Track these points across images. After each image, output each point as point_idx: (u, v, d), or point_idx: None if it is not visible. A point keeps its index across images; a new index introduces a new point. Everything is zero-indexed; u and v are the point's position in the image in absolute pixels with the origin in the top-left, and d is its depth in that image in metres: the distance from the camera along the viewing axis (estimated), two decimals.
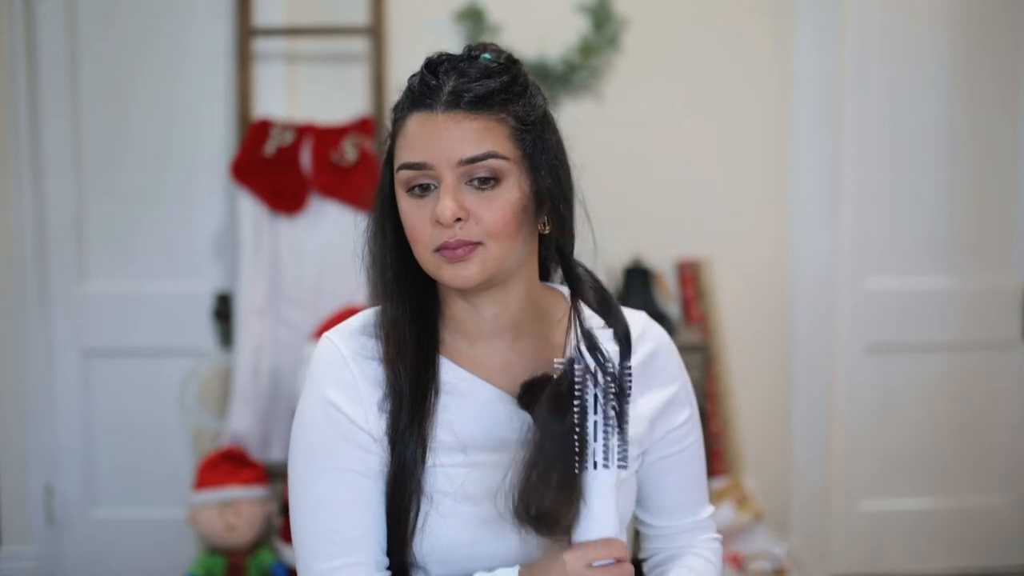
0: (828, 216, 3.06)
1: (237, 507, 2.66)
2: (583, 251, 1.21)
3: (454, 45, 3.17)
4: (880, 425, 3.16)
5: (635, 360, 1.14)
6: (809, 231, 3.06)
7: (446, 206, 1.05)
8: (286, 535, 2.73)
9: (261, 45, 2.94)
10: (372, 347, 1.15)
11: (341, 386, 1.13)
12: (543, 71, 2.86)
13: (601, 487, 1.02)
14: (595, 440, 1.00)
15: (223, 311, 2.98)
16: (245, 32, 2.89)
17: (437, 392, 1.13)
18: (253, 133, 2.85)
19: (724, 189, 3.05)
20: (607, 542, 1.03)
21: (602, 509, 1.03)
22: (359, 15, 2.92)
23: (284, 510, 2.77)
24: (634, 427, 1.16)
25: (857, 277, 3.11)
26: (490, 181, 1.08)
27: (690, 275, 3.02)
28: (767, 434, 3.12)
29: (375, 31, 2.89)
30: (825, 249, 3.07)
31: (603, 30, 2.93)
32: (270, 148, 2.84)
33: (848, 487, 3.16)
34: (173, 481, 2.96)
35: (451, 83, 1.08)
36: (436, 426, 1.12)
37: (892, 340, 3.14)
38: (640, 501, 1.27)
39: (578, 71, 2.92)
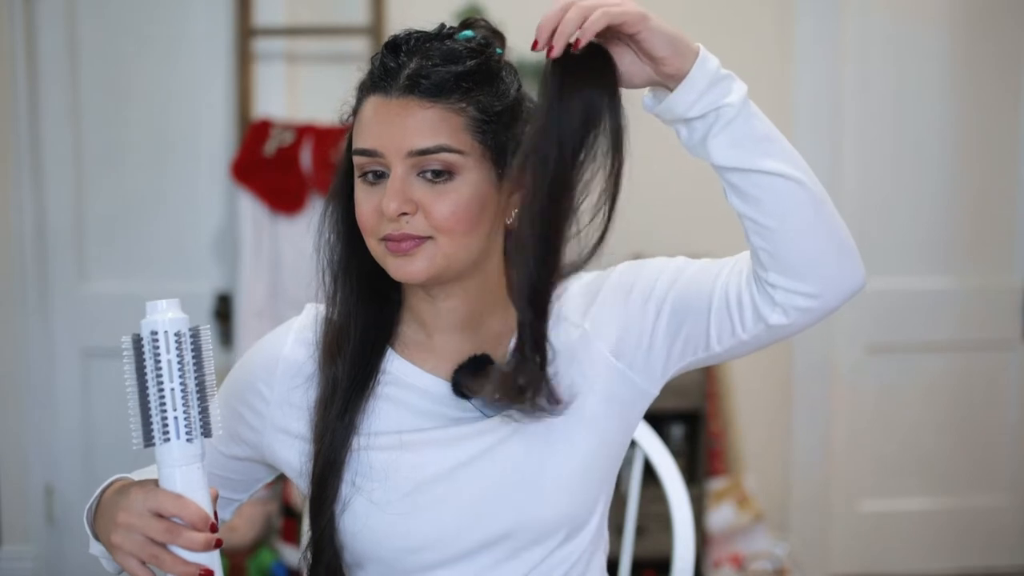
0: None
1: (237, 507, 2.66)
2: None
3: None
4: (880, 425, 3.16)
5: (576, 317, 1.09)
6: None
7: (391, 199, 0.99)
8: (286, 535, 2.73)
9: (261, 45, 2.94)
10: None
11: (263, 361, 1.13)
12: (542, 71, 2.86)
13: (180, 463, 0.94)
14: (175, 410, 0.92)
15: (223, 311, 2.98)
16: (245, 32, 2.89)
17: (376, 383, 1.08)
18: (253, 133, 2.85)
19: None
20: (178, 498, 0.93)
21: (178, 474, 0.94)
22: (359, 15, 2.92)
23: (284, 510, 2.77)
24: (607, 342, 1.07)
25: None
26: (443, 174, 1.00)
27: None
28: (767, 434, 3.12)
29: (375, 31, 2.89)
30: None
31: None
32: (270, 148, 2.84)
33: (848, 487, 3.16)
34: None
35: (411, 66, 1.01)
36: (370, 415, 1.07)
37: (892, 340, 3.13)
38: (701, 298, 1.08)
39: None
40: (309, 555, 1.09)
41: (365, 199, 1.03)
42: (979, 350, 3.16)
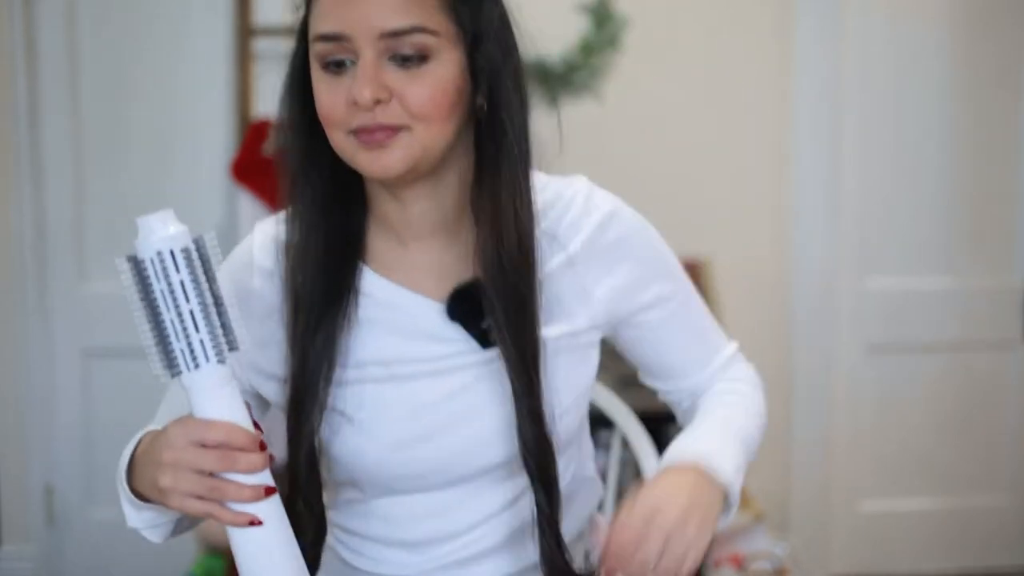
0: (828, 216, 3.05)
1: None
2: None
3: None
4: (880, 425, 3.16)
5: (580, 238, 1.06)
6: (809, 231, 3.06)
7: (363, 86, 0.92)
8: None
9: (261, 45, 2.94)
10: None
11: (227, 273, 1.02)
12: (543, 71, 2.86)
13: (208, 384, 0.86)
14: (199, 332, 0.84)
15: None
16: (245, 32, 2.89)
17: (352, 303, 1.01)
18: (253, 133, 2.85)
19: (724, 189, 3.05)
20: (222, 425, 0.86)
21: (215, 400, 0.87)
22: None
23: None
24: (586, 307, 1.07)
25: (857, 277, 3.11)
26: (416, 58, 0.94)
27: (690, 275, 3.02)
28: (767, 434, 3.10)
29: None
30: (825, 249, 3.07)
31: (603, 30, 2.93)
32: (270, 148, 2.84)
33: (848, 487, 3.16)
34: None
35: None
36: (351, 340, 1.01)
37: (892, 340, 3.13)
38: (644, 368, 1.18)
39: (578, 71, 2.92)
40: (286, 484, 1.03)
41: (328, 91, 0.96)
42: (979, 350, 3.16)
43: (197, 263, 0.84)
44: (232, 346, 0.86)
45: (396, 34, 0.92)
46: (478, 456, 1.03)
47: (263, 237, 1.08)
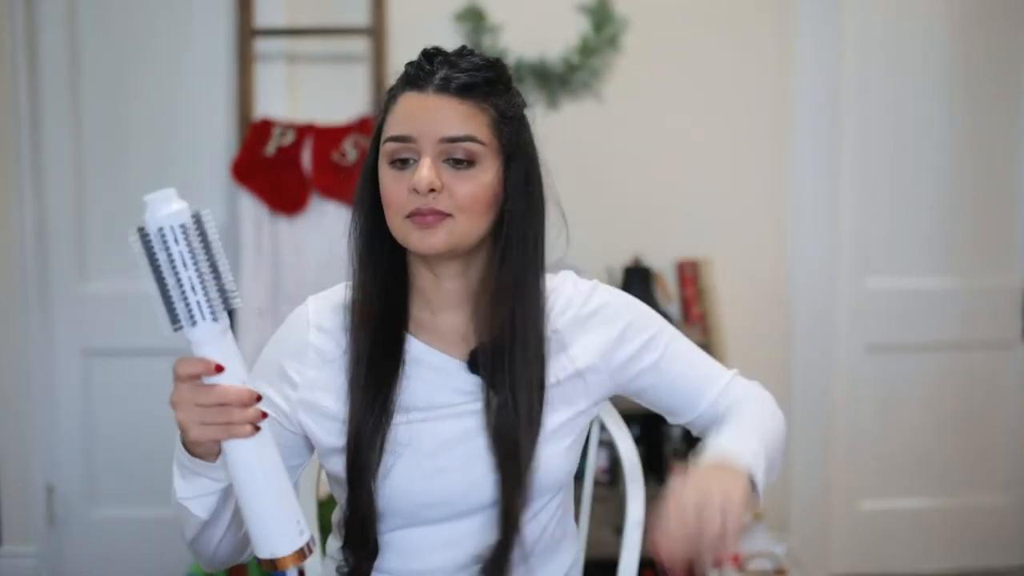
0: (828, 216, 3.06)
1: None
2: (558, 247, 1.29)
3: (454, 45, 3.17)
4: (880, 425, 3.16)
5: (567, 316, 1.29)
6: (809, 231, 3.06)
7: (423, 175, 1.15)
8: None
9: (261, 45, 2.94)
10: (344, 318, 1.26)
11: (291, 348, 1.26)
12: (543, 71, 2.86)
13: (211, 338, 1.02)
14: (195, 294, 0.99)
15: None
16: (246, 32, 2.90)
17: (401, 363, 1.24)
18: (254, 133, 2.85)
19: (724, 189, 3.05)
20: (201, 360, 1.03)
21: (212, 351, 1.03)
22: (359, 15, 2.92)
23: None
24: (584, 361, 1.28)
25: (857, 277, 3.12)
26: (465, 162, 1.17)
27: (690, 275, 3.02)
28: None
29: (375, 31, 2.90)
30: (825, 249, 3.07)
31: (603, 30, 2.93)
32: (271, 148, 2.84)
33: (848, 487, 3.17)
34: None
35: (443, 71, 1.19)
36: (398, 391, 1.23)
37: (892, 340, 3.14)
38: (666, 410, 1.36)
39: (578, 71, 2.93)
40: (344, 519, 1.23)
41: (393, 181, 1.18)
42: (979, 350, 3.16)
43: (194, 236, 0.98)
44: (227, 304, 1.01)
45: (453, 140, 1.17)
46: (475, 494, 1.23)
47: (317, 303, 1.30)
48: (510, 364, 1.21)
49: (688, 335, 3.09)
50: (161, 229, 0.97)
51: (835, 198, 3.06)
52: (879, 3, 3.05)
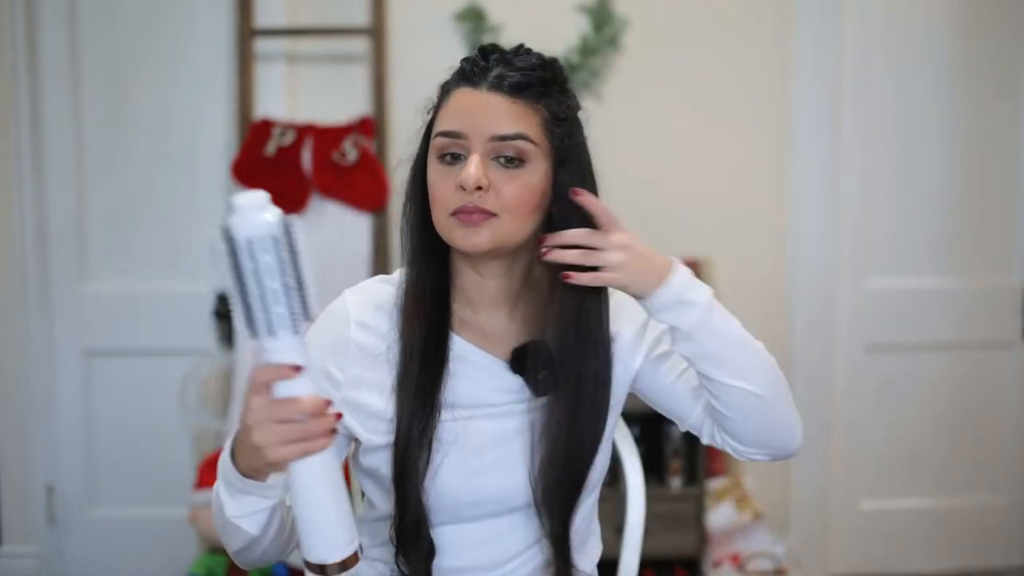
0: (828, 216, 3.06)
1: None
2: None
3: (454, 45, 3.17)
4: (880, 425, 3.16)
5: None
6: (809, 231, 3.06)
7: (471, 172, 1.14)
8: None
9: (262, 45, 2.94)
10: (388, 297, 1.25)
11: (332, 346, 1.24)
12: None
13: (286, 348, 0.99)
14: (278, 306, 0.96)
15: (224, 311, 2.99)
16: (246, 32, 2.90)
17: (447, 360, 1.23)
18: (254, 133, 2.85)
19: (724, 189, 3.05)
20: (280, 367, 0.99)
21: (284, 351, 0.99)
22: (359, 15, 2.92)
23: None
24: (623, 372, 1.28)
25: (857, 277, 3.12)
26: (515, 161, 1.16)
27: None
28: None
29: (375, 31, 2.90)
30: (825, 249, 3.07)
31: (603, 30, 2.93)
32: (271, 148, 2.84)
33: (848, 487, 3.17)
34: (174, 481, 2.96)
35: (498, 68, 1.18)
36: (445, 389, 1.22)
37: (892, 340, 3.14)
38: (674, 411, 1.32)
39: (578, 71, 2.93)
40: (393, 520, 1.22)
41: (441, 178, 1.18)
42: (979, 350, 3.17)
43: (284, 247, 0.94)
44: (308, 317, 0.98)
45: (504, 138, 1.16)
46: (516, 493, 1.23)
47: (356, 296, 1.28)
48: (573, 363, 1.20)
49: None
50: (250, 240, 0.93)
51: (835, 198, 3.06)
52: (879, 3, 3.05)
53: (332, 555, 1.03)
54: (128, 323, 3.03)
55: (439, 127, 1.19)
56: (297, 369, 0.98)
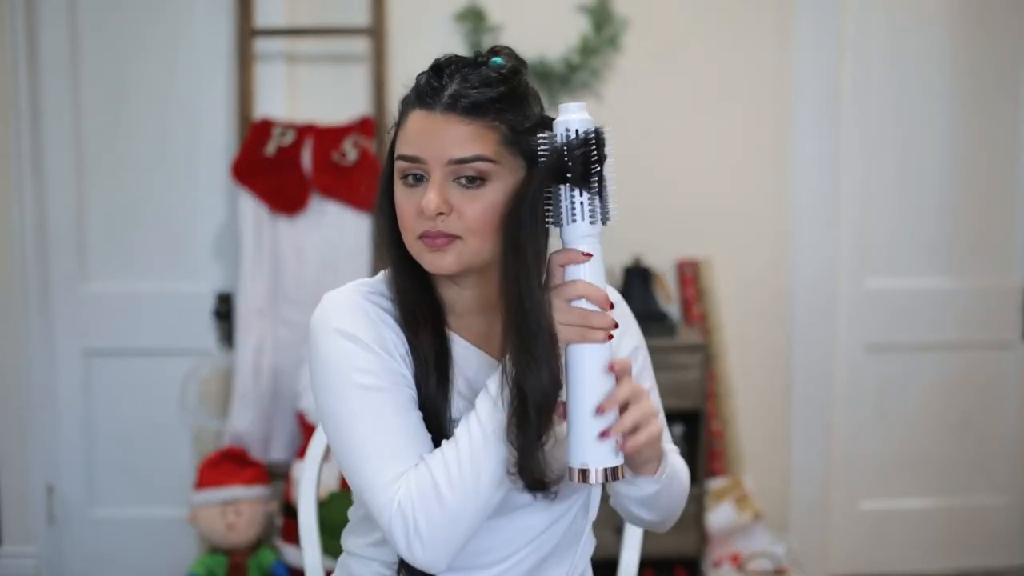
0: (828, 216, 3.06)
1: (238, 506, 2.67)
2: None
3: (454, 45, 3.17)
4: (880, 425, 3.16)
5: None
6: (809, 231, 3.06)
7: (430, 199, 1.14)
8: (287, 534, 2.73)
9: (262, 45, 2.94)
10: (386, 306, 1.24)
11: (358, 319, 1.21)
12: (543, 71, 2.86)
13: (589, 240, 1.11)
14: (581, 195, 1.09)
15: (224, 311, 2.99)
16: (246, 33, 2.90)
17: (452, 358, 1.24)
18: (254, 133, 2.85)
19: (724, 189, 3.05)
20: (572, 251, 1.10)
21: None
22: (359, 15, 2.92)
23: (285, 510, 2.78)
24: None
25: (857, 277, 3.12)
26: (476, 180, 1.15)
27: (690, 275, 3.02)
28: (767, 434, 3.12)
29: (375, 31, 2.90)
30: (825, 249, 3.07)
31: (603, 30, 2.93)
32: (271, 148, 2.84)
33: (848, 487, 3.17)
34: (174, 481, 2.97)
35: (452, 87, 1.16)
36: (453, 384, 1.24)
37: (892, 340, 3.14)
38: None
39: (578, 71, 2.93)
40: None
41: (405, 200, 1.18)
42: (979, 350, 3.16)
43: (592, 144, 1.09)
44: (604, 218, 1.10)
45: (461, 161, 1.15)
46: (512, 493, 1.20)
47: (341, 318, 1.24)
48: (519, 367, 1.18)
49: (688, 335, 3.10)
50: (567, 130, 1.08)
51: (835, 198, 3.06)
52: (879, 3, 3.05)
53: (595, 461, 1.08)
54: (128, 323, 3.03)
55: (399, 150, 1.19)
56: (587, 256, 1.09)
